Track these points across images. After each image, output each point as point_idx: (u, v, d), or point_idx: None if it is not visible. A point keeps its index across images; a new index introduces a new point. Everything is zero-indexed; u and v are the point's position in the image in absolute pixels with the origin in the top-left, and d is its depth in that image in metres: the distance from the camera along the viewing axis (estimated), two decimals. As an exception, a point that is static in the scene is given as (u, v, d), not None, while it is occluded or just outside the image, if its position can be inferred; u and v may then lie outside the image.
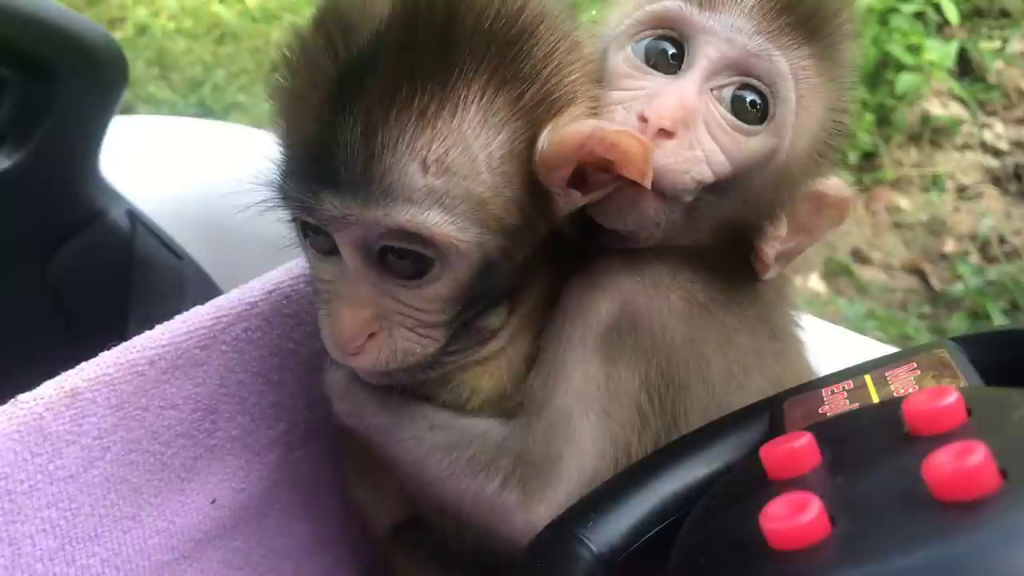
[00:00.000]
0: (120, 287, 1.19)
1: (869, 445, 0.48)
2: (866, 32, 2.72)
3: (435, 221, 0.57)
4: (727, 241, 0.71)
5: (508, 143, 0.59)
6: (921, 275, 2.48)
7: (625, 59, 0.66)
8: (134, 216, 1.19)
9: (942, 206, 2.60)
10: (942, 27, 2.88)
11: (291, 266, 0.78)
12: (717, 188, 0.65)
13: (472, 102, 0.57)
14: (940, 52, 2.71)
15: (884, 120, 2.72)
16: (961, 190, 2.65)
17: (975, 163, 2.68)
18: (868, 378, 0.61)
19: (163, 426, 0.69)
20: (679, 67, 0.65)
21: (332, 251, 0.63)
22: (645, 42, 0.66)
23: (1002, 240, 2.46)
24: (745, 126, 0.64)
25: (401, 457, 0.70)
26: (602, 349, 0.67)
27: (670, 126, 0.62)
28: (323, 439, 0.82)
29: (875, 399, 0.57)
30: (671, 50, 0.65)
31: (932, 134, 2.73)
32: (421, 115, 0.56)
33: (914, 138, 2.74)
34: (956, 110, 2.77)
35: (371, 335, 0.63)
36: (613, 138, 0.58)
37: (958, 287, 2.36)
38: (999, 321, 2.23)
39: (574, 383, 0.67)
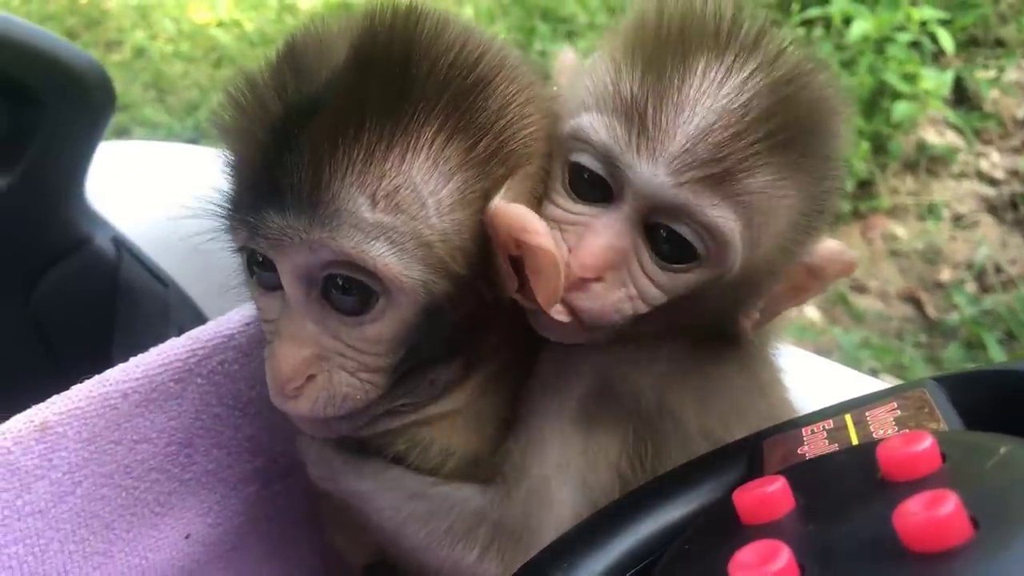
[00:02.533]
0: (105, 314, 1.19)
1: (843, 490, 0.47)
2: (862, 61, 2.73)
3: (380, 253, 0.56)
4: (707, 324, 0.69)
5: (459, 191, 0.58)
6: (917, 304, 2.47)
7: (560, 175, 0.64)
8: (119, 243, 1.19)
9: (938, 235, 2.59)
10: (938, 56, 2.89)
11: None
12: (661, 309, 0.64)
13: (423, 147, 0.56)
14: (936, 81, 2.71)
15: (880, 148, 2.72)
16: (957, 219, 2.64)
17: (971, 192, 2.68)
18: (848, 418, 0.60)
19: (136, 460, 0.69)
20: (611, 196, 0.62)
21: (276, 286, 0.62)
22: (578, 159, 0.63)
23: (998, 269, 2.46)
24: (675, 266, 0.62)
25: (379, 525, 0.69)
26: (579, 418, 0.66)
27: (593, 275, 0.60)
28: (301, 473, 0.81)
29: (854, 440, 0.56)
30: (599, 177, 0.62)
31: (928, 162, 2.73)
32: (369, 152, 0.55)
33: (910, 166, 2.74)
34: (952, 138, 2.77)
35: (310, 378, 0.61)
36: (534, 244, 0.57)
37: (954, 316, 2.35)
38: (995, 350, 2.22)
39: (552, 452, 0.66)
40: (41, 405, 0.65)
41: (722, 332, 0.69)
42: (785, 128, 0.59)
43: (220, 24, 3.50)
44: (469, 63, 0.59)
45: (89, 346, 1.17)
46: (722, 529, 0.48)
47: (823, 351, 2.39)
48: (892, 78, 2.70)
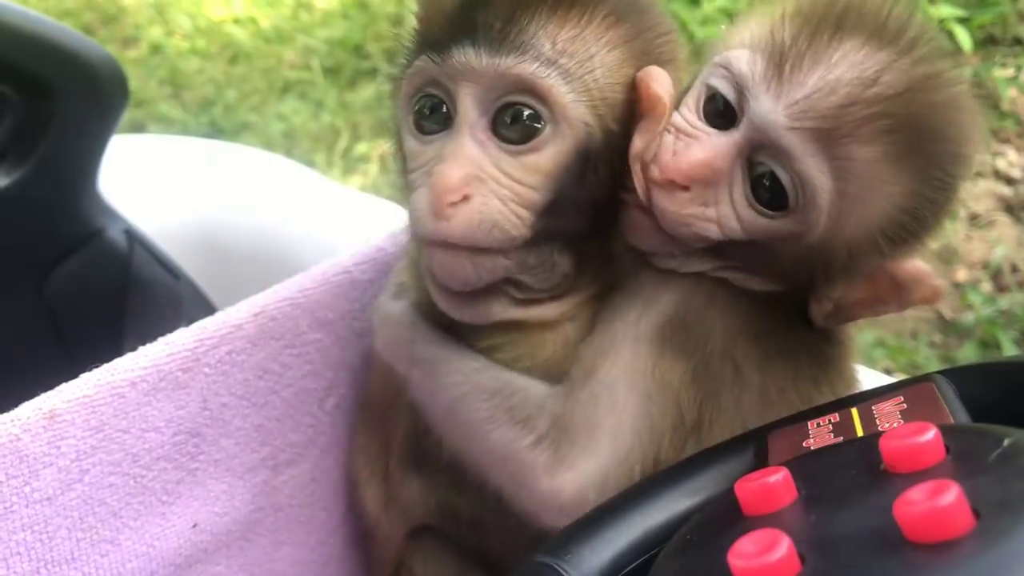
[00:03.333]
0: (116, 306, 1.19)
1: (845, 481, 0.47)
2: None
3: (555, 83, 0.64)
4: (786, 288, 0.70)
5: (618, 63, 0.67)
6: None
7: (695, 93, 0.68)
8: (131, 235, 1.19)
9: (954, 234, 2.57)
10: (955, 54, 2.87)
11: (278, 288, 0.78)
12: (737, 243, 0.66)
13: (596, 20, 0.66)
14: (952, 79, 2.69)
15: (895, 147, 2.70)
16: (973, 218, 2.62)
17: (988, 191, 2.66)
18: (855, 411, 0.59)
19: (144, 449, 0.69)
20: (732, 123, 0.65)
21: (439, 129, 0.67)
22: (715, 83, 0.67)
23: (1014, 269, 2.44)
24: (763, 208, 0.65)
25: (440, 393, 0.71)
26: (654, 337, 0.68)
27: (681, 181, 0.65)
28: (309, 462, 0.82)
29: (860, 433, 0.56)
30: (723, 107, 0.66)
31: (944, 162, 2.71)
32: (555, 8, 0.65)
33: (926, 165, 2.72)
34: (969, 138, 2.75)
35: (466, 198, 0.64)
36: (653, 89, 0.66)
37: (969, 316, 2.33)
38: (1010, 350, 2.20)
39: (624, 359, 0.68)
40: (50, 393, 0.65)
41: (800, 308, 0.70)
42: (906, 118, 0.61)
43: (236, 21, 3.51)
44: None
45: (101, 337, 1.18)
46: (724, 520, 0.48)
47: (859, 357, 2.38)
48: (909, 76, 2.68)
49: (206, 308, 1.23)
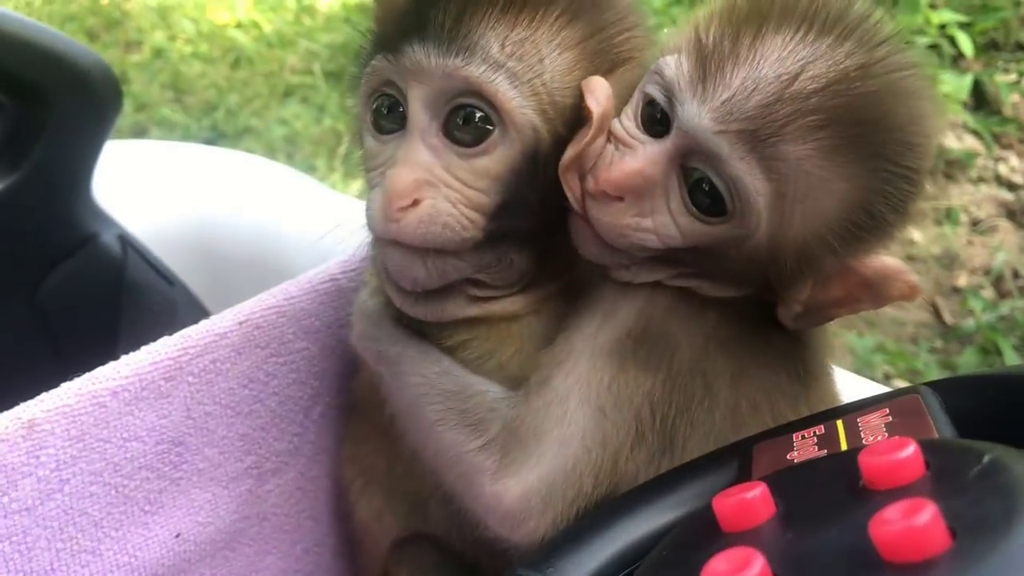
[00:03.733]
0: (110, 312, 1.19)
1: (824, 498, 0.46)
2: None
3: (502, 86, 0.64)
4: (751, 292, 0.68)
5: (568, 65, 0.67)
6: (933, 309, 2.45)
7: (635, 101, 0.67)
8: (125, 241, 1.19)
9: (955, 240, 2.57)
10: (957, 60, 2.86)
11: (263, 296, 0.78)
12: (684, 251, 0.65)
13: (548, 20, 0.66)
14: (955, 85, 2.68)
15: (897, 152, 2.69)
16: (975, 223, 2.62)
17: (989, 196, 2.65)
18: (840, 424, 0.59)
19: (125, 458, 0.68)
20: (666, 130, 0.64)
21: (395, 129, 0.68)
22: (649, 90, 0.65)
23: (1016, 275, 2.43)
24: (700, 215, 0.63)
25: (401, 392, 0.72)
26: (614, 351, 0.67)
27: (613, 192, 0.64)
28: (295, 471, 0.81)
29: (844, 447, 0.56)
30: (657, 114, 0.65)
31: (946, 167, 2.70)
32: (505, 9, 0.64)
33: (928, 171, 2.71)
34: (971, 143, 2.74)
35: (416, 202, 0.65)
36: (588, 102, 0.65)
37: (970, 322, 2.33)
38: (1010, 357, 2.19)
39: (579, 371, 0.67)
40: (30, 402, 0.65)
41: (770, 313, 0.69)
42: (838, 111, 0.59)
43: (239, 25, 3.51)
44: None
45: (94, 344, 1.17)
46: (701, 536, 0.48)
47: (835, 355, 2.38)
48: (910, 82, 2.68)
49: (201, 314, 1.22)
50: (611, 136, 0.66)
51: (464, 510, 0.70)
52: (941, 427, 0.54)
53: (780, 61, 0.60)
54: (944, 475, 0.43)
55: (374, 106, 0.69)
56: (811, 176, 0.60)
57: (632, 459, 0.66)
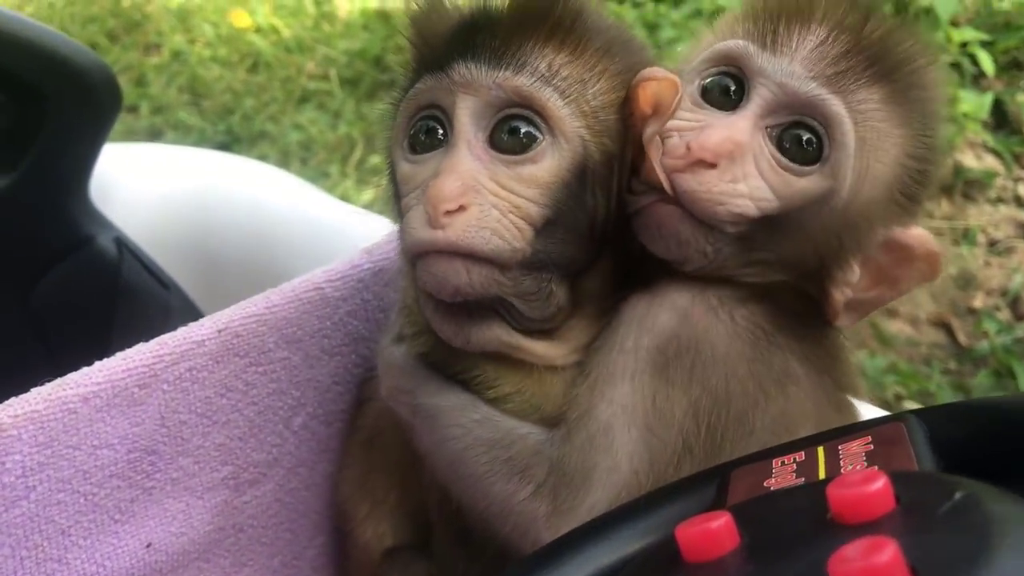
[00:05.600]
0: (105, 315, 1.18)
1: (789, 530, 0.44)
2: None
3: (552, 98, 0.65)
4: (797, 281, 0.70)
5: (608, 89, 0.69)
6: (948, 330, 2.42)
7: (690, 92, 0.69)
8: (121, 243, 1.18)
9: (973, 260, 2.54)
10: (978, 78, 2.83)
11: (244, 304, 0.77)
12: (770, 224, 0.66)
13: (588, 52, 0.68)
14: (975, 104, 2.65)
15: (915, 170, 2.66)
16: (992, 244, 2.59)
17: (1008, 217, 2.62)
18: (821, 450, 0.57)
19: (95, 466, 0.67)
20: (739, 103, 0.67)
21: (433, 148, 0.68)
22: (709, 79, 0.69)
23: (1033, 297, 2.40)
24: (794, 166, 0.65)
25: (441, 446, 0.70)
26: (655, 363, 0.67)
27: (710, 157, 0.64)
28: (274, 482, 0.80)
29: (822, 475, 0.54)
30: (732, 86, 0.68)
31: (964, 186, 2.67)
32: (552, 35, 0.67)
33: (945, 190, 2.68)
34: (990, 162, 2.71)
35: (463, 208, 0.64)
36: (659, 75, 0.67)
37: (985, 344, 2.30)
38: (1024, 381, 2.16)
39: (620, 393, 0.66)
40: (-3, 407, 0.64)
41: (814, 305, 0.70)
42: (894, 63, 0.65)
43: (258, 30, 3.52)
44: (619, 25, 0.75)
45: (88, 346, 1.16)
46: (663, 565, 0.46)
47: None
48: (930, 99, 2.65)
49: (195, 318, 1.21)
50: (672, 132, 0.67)
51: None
52: (922, 458, 0.52)
53: (842, 22, 0.66)
54: (914, 510, 0.41)
55: (412, 130, 0.69)
56: (883, 121, 0.65)
57: (680, 473, 0.65)
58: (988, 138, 2.70)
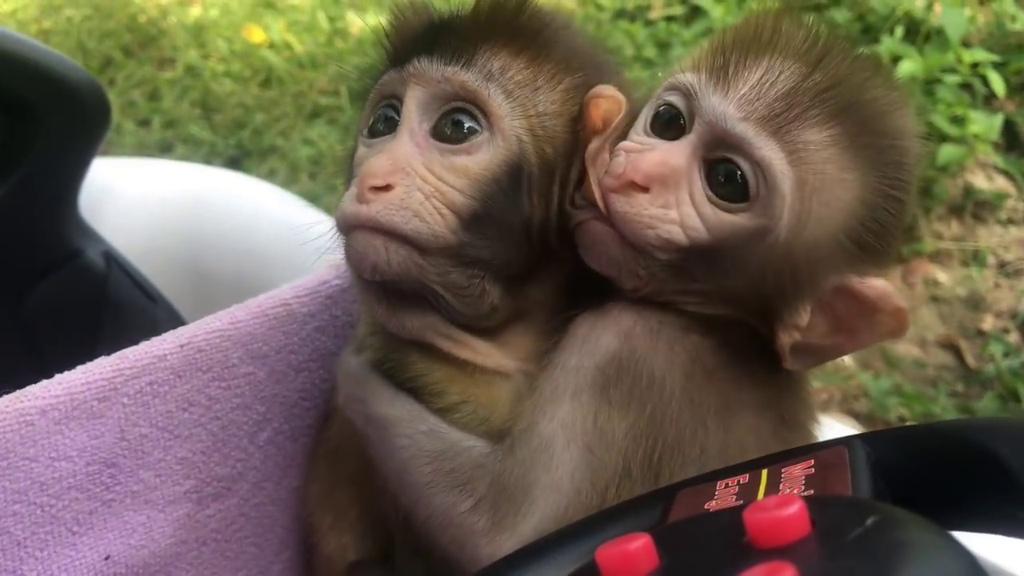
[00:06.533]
0: (92, 328, 1.19)
1: (706, 554, 0.44)
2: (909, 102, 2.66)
3: (495, 95, 0.68)
4: (745, 317, 0.69)
5: (561, 101, 0.71)
6: (956, 352, 2.40)
7: (646, 117, 0.69)
8: (110, 257, 1.19)
9: (982, 281, 2.52)
10: (989, 99, 2.81)
11: (208, 319, 0.77)
12: (704, 255, 0.65)
13: (544, 64, 0.71)
14: (985, 124, 2.64)
15: (924, 191, 2.65)
16: (1002, 265, 2.56)
17: (1018, 239, 2.60)
18: (764, 473, 0.57)
19: (53, 478, 0.68)
20: (681, 133, 0.67)
21: (385, 133, 0.71)
22: (664, 99, 0.69)
23: (1042, 319, 2.38)
24: (722, 201, 0.65)
25: (389, 456, 0.71)
26: (596, 383, 0.66)
27: (640, 180, 0.65)
28: (238, 496, 0.80)
29: (761, 497, 0.54)
30: (681, 117, 0.68)
31: (974, 207, 2.65)
32: (509, 42, 0.70)
33: (955, 211, 2.67)
34: (1001, 184, 2.69)
35: (389, 187, 0.66)
36: (608, 93, 0.70)
37: (991, 366, 2.27)
38: (1029, 404, 2.14)
39: (562, 411, 0.66)
40: (-50, 419, 0.64)
41: (764, 345, 0.69)
42: (848, 104, 0.64)
43: (272, 46, 3.55)
44: (593, 45, 0.78)
45: (76, 359, 1.17)
46: (581, 588, 0.46)
47: (849, 397, 2.33)
48: (939, 120, 2.64)
49: (182, 332, 1.22)
50: (621, 152, 0.67)
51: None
52: (859, 482, 0.52)
53: (794, 58, 0.65)
54: (828, 535, 0.41)
55: (372, 119, 0.73)
56: (829, 164, 0.63)
57: (620, 495, 0.65)
58: (999, 159, 2.68)
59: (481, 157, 0.68)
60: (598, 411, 0.66)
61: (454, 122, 0.69)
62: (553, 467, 0.65)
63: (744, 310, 0.68)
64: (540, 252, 0.72)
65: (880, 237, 0.65)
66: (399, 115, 0.70)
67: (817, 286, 0.66)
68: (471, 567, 0.65)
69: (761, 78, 0.64)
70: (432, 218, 0.67)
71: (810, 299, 0.66)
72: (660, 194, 0.65)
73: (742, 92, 0.64)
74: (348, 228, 0.68)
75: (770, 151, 0.63)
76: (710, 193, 0.65)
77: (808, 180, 0.63)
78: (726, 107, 0.64)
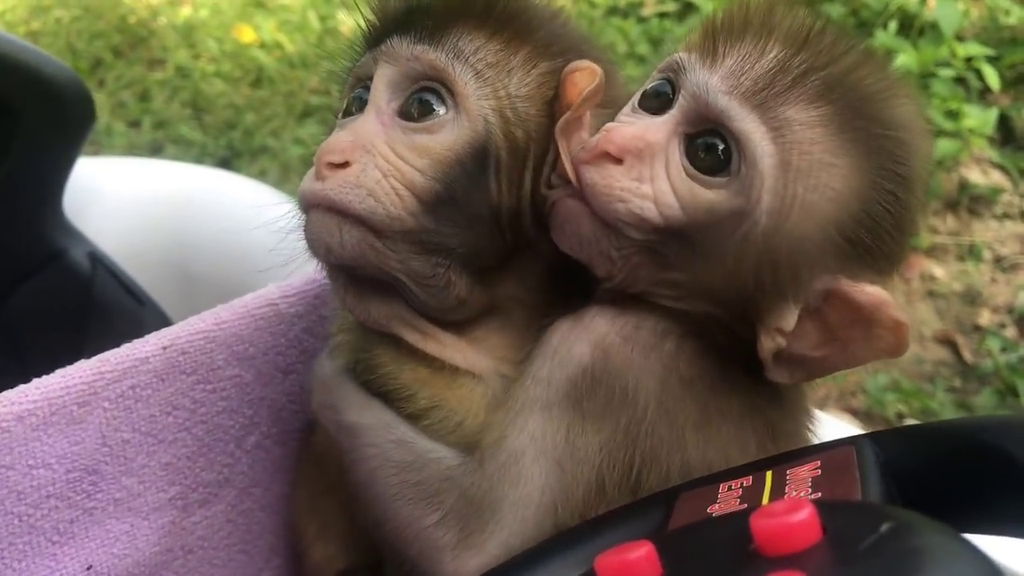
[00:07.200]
0: (77, 329, 1.17)
1: (711, 562, 0.42)
2: (903, 95, 2.66)
3: (463, 75, 0.67)
4: (726, 317, 0.65)
5: (535, 84, 0.69)
6: (953, 347, 2.39)
7: (633, 99, 0.67)
8: (95, 258, 1.17)
9: (978, 276, 2.51)
10: (984, 93, 2.80)
11: (192, 321, 0.75)
12: (678, 238, 0.62)
13: (520, 49, 0.69)
14: (980, 119, 2.62)
15: (919, 186, 2.64)
16: (998, 260, 2.55)
17: (1014, 233, 2.59)
18: (769, 475, 0.55)
19: (31, 486, 0.66)
20: (666, 107, 0.65)
21: (358, 113, 0.69)
22: (651, 85, 0.67)
23: (1039, 314, 2.37)
24: (701, 175, 0.62)
25: (358, 464, 0.68)
26: (568, 395, 0.64)
27: (614, 151, 0.62)
28: (225, 502, 0.78)
29: (766, 500, 0.52)
30: (669, 94, 0.65)
31: (970, 202, 2.64)
32: (483, 26, 0.68)
33: (951, 206, 2.66)
34: (996, 178, 2.68)
35: (347, 164, 0.65)
36: (583, 65, 0.68)
37: (989, 361, 2.26)
38: (1027, 399, 2.13)
39: (533, 424, 0.64)
40: (-77, 427, 0.62)
41: (746, 355, 0.64)
42: (840, 84, 0.61)
43: (262, 46, 3.53)
44: (577, 31, 0.76)
45: (60, 361, 1.15)
46: (581, 598, 0.44)
47: (847, 394, 2.32)
48: (934, 115, 2.62)
49: (170, 334, 1.20)
50: (604, 130, 0.65)
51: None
52: (869, 485, 0.50)
53: (785, 38, 0.62)
54: (840, 542, 0.39)
55: (346, 102, 0.71)
56: (815, 147, 0.60)
57: (598, 512, 0.62)
58: (994, 154, 2.68)
59: (444, 137, 0.67)
60: (570, 425, 0.63)
61: (420, 101, 0.67)
62: (522, 482, 0.62)
63: (724, 309, 0.64)
64: (514, 243, 0.70)
65: (877, 237, 0.61)
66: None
67: (802, 285, 0.61)
68: None
69: (748, 54, 0.62)
70: (388, 198, 0.65)
71: (796, 301, 0.62)
72: (634, 166, 0.63)
73: (728, 66, 0.62)
74: (306, 206, 0.67)
75: (751, 124, 0.60)
76: (688, 166, 0.62)
77: (792, 161, 0.59)
78: (710, 79, 0.62)
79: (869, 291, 0.60)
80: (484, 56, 0.68)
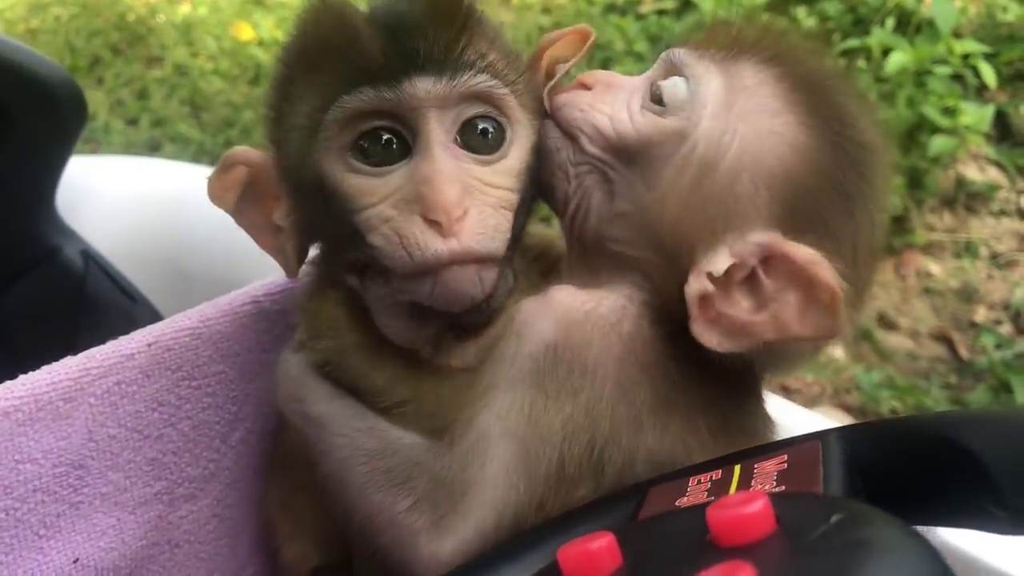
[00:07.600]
0: (70, 327, 1.18)
1: (669, 552, 0.43)
2: (900, 94, 2.66)
3: (504, 91, 0.68)
4: (666, 264, 0.65)
5: (523, 69, 0.73)
6: (949, 343, 2.39)
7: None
8: (88, 256, 1.18)
9: (975, 273, 2.51)
10: (981, 90, 2.80)
11: (177, 318, 0.76)
12: (625, 161, 0.67)
13: (500, 42, 0.71)
14: (977, 116, 2.62)
15: (916, 183, 2.64)
16: (995, 257, 2.56)
17: (1011, 230, 2.59)
18: (737, 469, 0.56)
19: (18, 481, 0.67)
20: None
21: (394, 161, 0.66)
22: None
23: (1035, 311, 2.37)
24: (652, 104, 0.68)
25: (327, 455, 0.69)
26: (532, 373, 0.64)
27: (587, 82, 0.72)
28: (210, 497, 0.79)
29: (732, 493, 0.52)
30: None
31: (966, 199, 2.65)
32: (465, 30, 0.67)
33: (948, 202, 2.66)
34: (993, 175, 2.68)
35: (465, 211, 0.65)
36: (557, 35, 0.76)
37: (984, 358, 2.27)
38: (1022, 395, 2.13)
39: (499, 402, 0.64)
40: (-89, 421, 0.63)
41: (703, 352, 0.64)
42: (788, 62, 0.67)
43: (261, 43, 3.54)
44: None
45: (53, 358, 1.16)
46: (543, 588, 0.45)
47: (840, 390, 2.32)
48: (931, 111, 2.62)
49: (164, 331, 1.21)
50: None
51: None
52: (831, 479, 0.51)
53: (754, 29, 0.69)
54: (793, 533, 0.40)
55: (359, 143, 0.67)
56: (761, 91, 0.65)
57: (558, 493, 0.62)
58: (990, 150, 2.68)
59: (516, 152, 0.69)
60: (533, 402, 0.63)
61: (479, 130, 0.68)
62: (488, 462, 0.62)
63: (665, 258, 0.65)
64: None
65: (820, 206, 0.62)
66: (399, 137, 0.67)
67: (734, 229, 0.62)
68: (411, 569, 0.63)
69: (718, 33, 0.69)
70: (505, 226, 0.67)
71: (729, 248, 0.62)
72: (600, 93, 0.71)
73: (699, 40, 0.70)
74: (441, 266, 0.65)
75: (704, 69, 0.67)
76: (647, 102, 0.68)
77: (736, 101, 0.65)
78: (683, 48, 0.69)
79: (804, 249, 0.60)
80: (493, 60, 0.69)
